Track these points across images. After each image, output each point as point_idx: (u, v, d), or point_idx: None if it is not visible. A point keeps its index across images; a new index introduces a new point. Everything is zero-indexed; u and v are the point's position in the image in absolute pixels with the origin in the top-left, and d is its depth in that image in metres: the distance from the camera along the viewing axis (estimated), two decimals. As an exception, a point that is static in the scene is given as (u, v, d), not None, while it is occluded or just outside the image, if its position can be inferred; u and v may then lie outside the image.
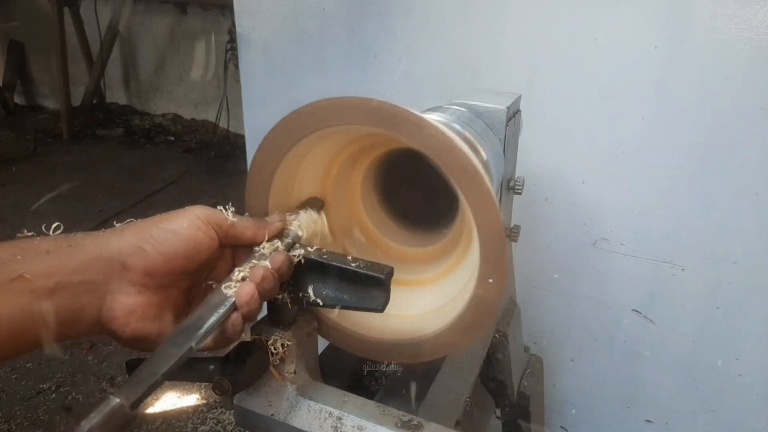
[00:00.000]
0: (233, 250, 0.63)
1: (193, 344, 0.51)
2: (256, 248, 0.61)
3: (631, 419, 1.45)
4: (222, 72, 4.65)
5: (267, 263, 0.58)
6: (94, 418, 0.42)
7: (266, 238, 0.62)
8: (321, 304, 0.63)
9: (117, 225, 0.57)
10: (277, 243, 0.61)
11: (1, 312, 0.47)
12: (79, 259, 0.52)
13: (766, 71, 1.06)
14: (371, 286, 0.60)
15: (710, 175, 1.16)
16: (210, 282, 0.63)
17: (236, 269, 0.58)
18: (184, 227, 0.56)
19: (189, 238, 0.56)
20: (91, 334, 0.54)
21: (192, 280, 0.61)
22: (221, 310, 0.54)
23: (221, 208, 0.61)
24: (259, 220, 0.63)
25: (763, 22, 1.04)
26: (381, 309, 0.60)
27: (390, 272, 0.59)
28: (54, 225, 0.54)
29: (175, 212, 0.58)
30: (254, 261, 0.59)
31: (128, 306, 0.54)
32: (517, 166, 1.01)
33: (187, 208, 0.59)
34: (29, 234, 0.53)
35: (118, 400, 0.43)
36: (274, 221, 0.63)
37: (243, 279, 0.57)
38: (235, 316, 0.56)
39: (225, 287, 0.56)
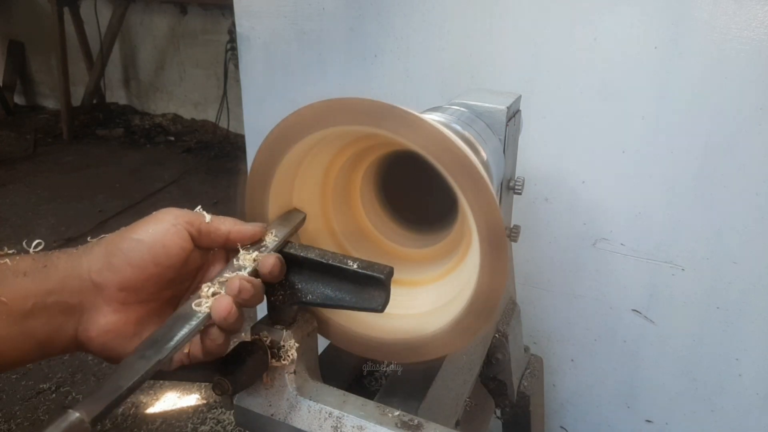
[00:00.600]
0: (225, 254, 0.61)
1: (161, 357, 0.48)
2: (234, 259, 0.59)
3: (631, 419, 1.45)
4: (222, 72, 4.66)
5: (244, 273, 0.56)
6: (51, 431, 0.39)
7: (244, 236, 0.59)
8: (321, 304, 0.63)
9: (90, 240, 0.56)
10: (255, 253, 0.59)
11: None
12: (54, 280, 0.51)
13: (766, 71, 1.06)
14: (371, 286, 0.60)
15: (710, 175, 1.16)
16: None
17: (205, 284, 0.55)
18: (149, 233, 0.54)
19: (156, 242, 0.54)
20: (71, 352, 0.54)
21: (176, 289, 0.59)
22: (193, 323, 0.52)
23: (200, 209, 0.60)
24: (235, 219, 0.61)
25: (762, 22, 1.04)
26: (381, 309, 0.60)
27: (390, 272, 0.59)
28: (35, 242, 0.53)
29: (143, 220, 0.56)
30: (228, 273, 0.57)
31: (103, 326, 0.53)
32: (517, 166, 1.01)
33: (155, 213, 0.57)
34: (10, 252, 0.52)
35: (77, 414, 0.41)
36: (252, 225, 0.61)
37: (213, 294, 0.54)
38: (215, 331, 0.54)
39: (195, 303, 0.53)
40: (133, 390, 0.45)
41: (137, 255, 0.53)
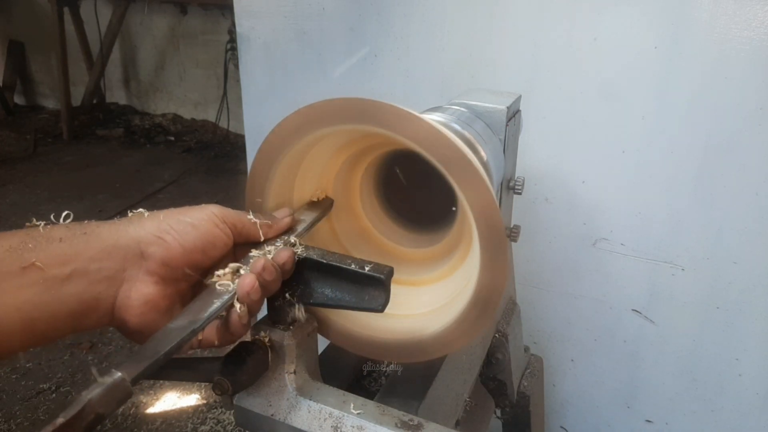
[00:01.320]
0: (243, 249, 0.63)
1: (196, 326, 0.50)
2: (253, 250, 0.61)
3: (631, 419, 1.45)
4: (222, 72, 4.66)
5: (268, 256, 0.59)
6: (96, 390, 0.42)
7: (276, 235, 0.62)
8: (321, 304, 0.63)
9: (131, 214, 0.57)
10: (280, 242, 0.62)
11: (12, 302, 0.45)
12: (96, 247, 0.51)
13: (766, 71, 1.06)
14: (371, 286, 0.60)
15: (710, 175, 1.16)
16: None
17: (231, 263, 0.58)
18: (203, 221, 0.57)
19: (207, 233, 0.56)
20: (101, 326, 0.54)
21: (202, 275, 0.60)
22: (225, 297, 0.54)
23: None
24: (268, 217, 0.63)
25: (762, 22, 1.04)
26: (381, 309, 0.60)
27: (390, 272, 0.59)
28: (64, 213, 0.53)
29: (192, 207, 0.58)
30: (254, 254, 0.59)
31: (144, 295, 0.53)
32: (517, 166, 1.01)
33: (203, 205, 0.59)
34: (38, 223, 0.51)
35: (120, 374, 0.43)
36: (282, 217, 0.64)
37: (237, 271, 0.57)
38: (241, 309, 0.55)
39: (219, 284, 0.56)
40: (170, 355, 0.47)
41: (189, 238, 0.55)
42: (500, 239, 0.56)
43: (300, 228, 0.65)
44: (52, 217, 0.53)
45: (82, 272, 0.49)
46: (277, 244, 0.61)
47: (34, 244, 0.48)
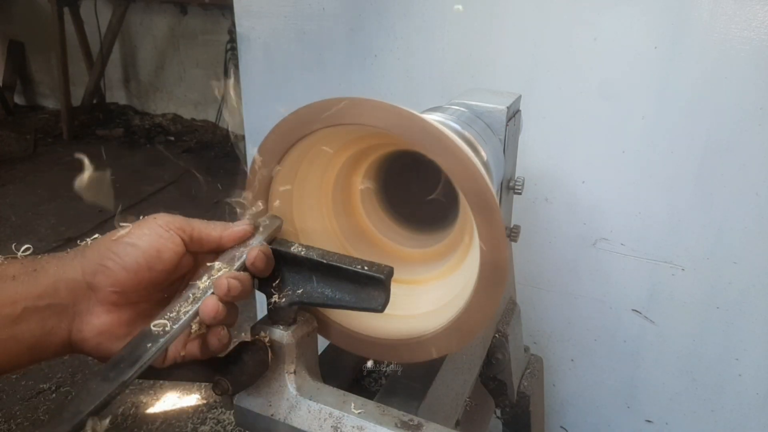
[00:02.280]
0: (213, 258, 0.61)
1: (125, 378, 0.48)
2: (217, 261, 0.59)
3: (631, 419, 1.45)
4: (222, 72, 4.66)
5: (231, 270, 0.57)
6: None
7: (234, 238, 0.60)
8: (321, 304, 0.63)
9: (80, 243, 0.57)
10: (250, 245, 0.60)
11: None
12: (44, 283, 0.52)
13: (766, 71, 1.06)
14: (371, 286, 0.60)
15: (710, 175, 1.16)
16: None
17: (173, 304, 0.55)
18: (143, 238, 0.55)
19: (150, 248, 0.55)
20: (63, 355, 0.54)
21: (166, 291, 0.60)
22: (160, 340, 0.51)
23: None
24: (224, 223, 0.61)
25: (762, 22, 1.04)
26: (381, 309, 0.60)
27: (390, 272, 0.59)
28: (24, 247, 0.54)
29: (136, 223, 0.57)
30: (217, 265, 0.58)
31: (97, 327, 0.54)
32: (517, 166, 1.01)
33: (147, 218, 0.58)
34: None
35: None
36: (240, 225, 0.61)
37: (174, 317, 0.54)
38: (221, 333, 0.55)
39: (155, 324, 0.53)
40: (94, 412, 0.46)
41: (132, 259, 0.54)
42: (501, 240, 0.56)
43: (266, 230, 0.63)
44: (13, 247, 0.54)
45: (33, 310, 0.50)
46: (243, 249, 0.60)
47: None
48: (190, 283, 0.57)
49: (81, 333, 0.53)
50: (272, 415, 0.63)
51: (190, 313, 0.54)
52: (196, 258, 0.61)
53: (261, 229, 0.63)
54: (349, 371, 0.82)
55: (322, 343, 0.72)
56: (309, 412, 0.62)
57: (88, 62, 5.14)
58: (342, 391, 0.64)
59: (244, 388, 0.62)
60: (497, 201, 0.56)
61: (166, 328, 0.53)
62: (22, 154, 4.61)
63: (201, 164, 4.49)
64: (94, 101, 5.31)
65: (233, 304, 0.57)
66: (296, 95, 1.55)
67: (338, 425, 0.61)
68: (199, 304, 0.55)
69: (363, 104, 0.56)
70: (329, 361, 0.79)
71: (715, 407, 1.34)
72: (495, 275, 0.58)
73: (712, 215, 1.19)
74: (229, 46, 4.49)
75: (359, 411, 0.61)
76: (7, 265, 0.52)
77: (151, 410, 2.17)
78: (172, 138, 5.03)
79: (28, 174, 4.24)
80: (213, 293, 0.55)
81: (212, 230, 0.60)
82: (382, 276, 0.58)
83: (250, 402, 0.64)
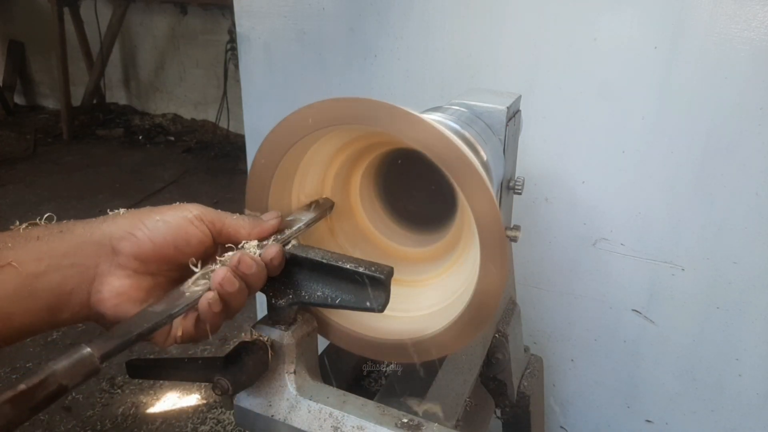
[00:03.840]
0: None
1: (172, 311, 0.51)
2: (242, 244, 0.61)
3: (631, 419, 1.45)
4: (222, 72, 4.66)
5: (252, 251, 0.59)
6: (62, 361, 0.42)
7: (261, 237, 0.62)
8: (321, 304, 0.63)
9: (111, 212, 0.59)
10: (269, 240, 0.62)
11: None
12: (69, 243, 0.53)
13: (766, 71, 1.06)
14: (371, 286, 0.60)
15: (710, 175, 1.16)
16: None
17: (208, 265, 0.58)
18: (176, 218, 0.57)
19: (180, 229, 0.57)
20: (80, 320, 0.55)
21: (185, 271, 0.60)
22: (198, 288, 0.55)
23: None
24: (254, 219, 0.63)
25: (762, 22, 1.04)
26: (381, 309, 0.60)
27: (390, 272, 0.59)
28: (46, 215, 0.56)
29: (171, 206, 0.59)
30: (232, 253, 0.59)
31: (117, 288, 0.55)
32: (517, 166, 1.01)
33: (183, 204, 0.60)
34: (21, 225, 0.54)
35: (89, 349, 0.44)
36: (270, 219, 0.63)
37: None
38: (211, 294, 0.56)
39: (193, 282, 0.56)
40: (142, 336, 0.49)
41: (159, 234, 0.56)
42: (501, 243, 0.56)
43: (294, 227, 0.64)
44: (38, 220, 0.56)
45: (56, 267, 0.52)
46: (266, 243, 0.61)
47: (13, 243, 0.51)
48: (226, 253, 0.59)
49: (100, 293, 0.55)
50: (272, 415, 0.63)
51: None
52: (223, 247, 0.62)
53: (292, 223, 0.65)
54: (349, 371, 0.82)
55: (322, 343, 0.72)
56: (309, 412, 0.62)
57: (88, 62, 5.14)
58: (342, 391, 0.64)
59: (244, 388, 0.62)
60: (499, 209, 0.56)
61: (203, 283, 0.56)
62: (22, 154, 4.61)
63: (201, 164, 4.49)
64: (94, 101, 5.32)
65: (241, 289, 0.57)
66: (296, 95, 1.55)
67: (338, 425, 0.61)
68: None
69: (365, 105, 0.56)
70: (329, 361, 0.79)
71: (716, 407, 1.34)
72: (494, 282, 0.58)
73: (712, 215, 1.19)
74: (229, 46, 4.50)
75: (359, 411, 0.61)
76: (32, 229, 0.53)
77: (151, 410, 2.17)
78: (172, 138, 5.03)
79: (28, 174, 4.24)
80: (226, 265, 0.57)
81: (241, 227, 0.61)
82: (382, 276, 0.58)
83: (250, 402, 0.64)
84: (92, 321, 0.57)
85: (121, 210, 0.59)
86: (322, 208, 0.71)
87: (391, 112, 0.56)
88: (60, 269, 0.52)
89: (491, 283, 0.59)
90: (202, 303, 0.55)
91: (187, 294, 0.54)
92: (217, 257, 0.59)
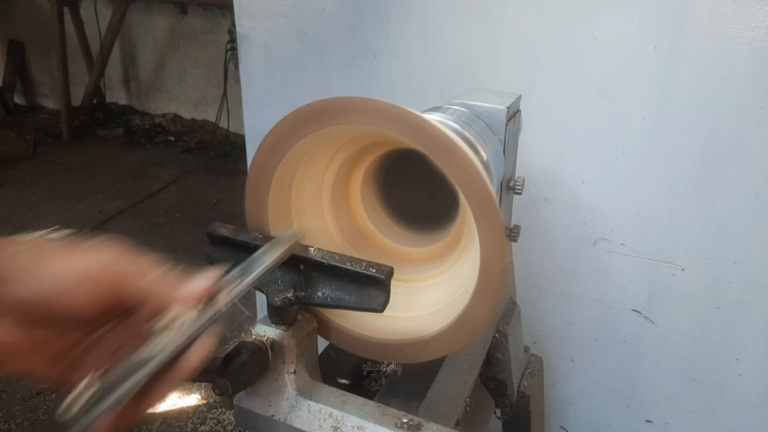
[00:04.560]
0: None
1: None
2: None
3: (631, 419, 1.45)
4: (222, 72, 4.66)
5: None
6: None
7: (186, 302, 0.47)
8: (321, 304, 0.63)
9: (21, 237, 0.48)
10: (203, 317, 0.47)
11: None
12: None
13: (766, 71, 1.06)
14: (371, 286, 0.60)
15: (710, 175, 1.16)
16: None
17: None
18: (73, 269, 0.46)
19: (73, 285, 0.45)
20: None
21: (74, 335, 0.48)
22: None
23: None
24: (179, 280, 0.48)
25: (762, 21, 1.04)
26: (381, 309, 0.60)
27: (390, 272, 0.59)
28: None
29: (78, 250, 0.47)
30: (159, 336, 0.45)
31: None
32: (517, 166, 1.01)
33: (95, 249, 0.47)
34: None
35: None
36: (200, 283, 0.48)
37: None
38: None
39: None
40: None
41: (45, 287, 0.44)
42: (500, 240, 0.56)
43: (234, 288, 0.51)
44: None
45: None
46: (197, 321, 0.47)
47: None
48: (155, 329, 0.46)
49: None
50: (272, 415, 0.63)
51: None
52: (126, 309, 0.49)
53: (279, 244, 0.59)
54: (349, 371, 0.82)
55: (322, 343, 0.72)
56: (309, 412, 0.62)
57: (88, 62, 5.14)
58: (342, 391, 0.64)
59: (244, 388, 0.62)
60: (499, 209, 0.56)
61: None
62: (22, 154, 4.61)
63: (201, 164, 4.49)
64: (94, 101, 5.31)
65: None
66: (296, 95, 1.55)
67: (338, 425, 0.61)
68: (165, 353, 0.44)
69: (365, 106, 0.56)
70: (329, 361, 0.79)
71: (716, 407, 1.34)
72: (494, 281, 0.58)
73: (712, 215, 1.19)
74: (229, 46, 4.49)
75: (359, 411, 0.61)
76: None
77: (151, 410, 2.16)
78: (172, 138, 5.03)
79: (28, 174, 4.24)
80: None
81: (160, 294, 0.47)
82: (382, 276, 0.58)
83: (250, 402, 0.64)
84: None
85: (36, 233, 0.48)
86: (283, 245, 0.61)
87: (390, 112, 0.56)
88: None
89: (492, 283, 0.59)
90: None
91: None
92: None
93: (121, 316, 0.49)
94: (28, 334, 0.45)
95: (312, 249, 0.63)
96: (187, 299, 0.47)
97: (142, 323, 0.47)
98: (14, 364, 0.46)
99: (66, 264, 0.46)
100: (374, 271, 0.59)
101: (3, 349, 0.45)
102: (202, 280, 0.48)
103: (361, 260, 0.60)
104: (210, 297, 0.48)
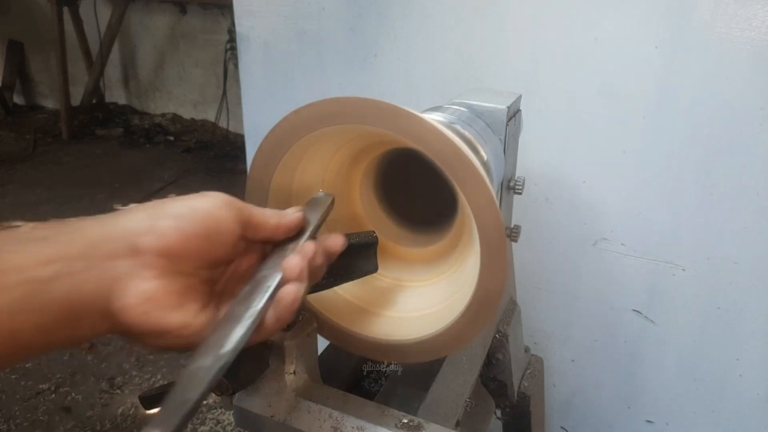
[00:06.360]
0: (261, 248, 0.56)
1: (222, 364, 0.44)
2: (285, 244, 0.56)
3: (632, 420, 1.45)
4: (222, 72, 4.66)
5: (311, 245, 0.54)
6: None
7: (289, 228, 0.56)
8: (319, 288, 0.63)
9: (119, 207, 0.50)
10: (304, 237, 0.56)
11: None
12: (81, 243, 0.44)
13: (766, 71, 1.06)
14: (358, 256, 0.64)
15: (711, 175, 1.16)
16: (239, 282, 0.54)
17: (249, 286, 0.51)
18: (205, 204, 0.49)
19: (210, 215, 0.49)
20: (101, 334, 0.46)
21: (213, 273, 0.53)
22: (248, 321, 0.47)
23: None
24: (277, 211, 0.56)
25: (763, 21, 1.04)
26: (376, 269, 0.65)
27: (373, 236, 0.65)
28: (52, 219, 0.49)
29: (193, 194, 0.51)
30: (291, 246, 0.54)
31: (144, 292, 0.46)
32: (517, 166, 1.01)
33: (206, 192, 0.52)
34: (19, 224, 0.46)
35: (158, 430, 0.40)
36: (293, 213, 0.57)
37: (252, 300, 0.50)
38: (292, 287, 0.49)
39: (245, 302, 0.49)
40: (201, 401, 0.43)
41: (188, 222, 0.48)
42: (500, 239, 0.56)
43: (312, 225, 0.59)
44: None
45: (67, 272, 0.43)
46: (301, 240, 0.56)
47: (15, 245, 0.42)
48: (261, 266, 0.53)
49: (123, 299, 0.45)
50: (272, 415, 0.62)
51: (270, 290, 0.50)
52: (247, 245, 0.55)
53: (309, 220, 0.61)
54: (349, 372, 0.82)
55: (322, 343, 0.72)
56: (309, 412, 0.62)
57: (87, 62, 5.13)
58: (342, 392, 0.64)
59: (244, 388, 0.62)
60: (500, 209, 0.56)
61: (256, 307, 0.48)
62: (21, 154, 4.61)
63: (201, 164, 4.49)
64: (94, 101, 5.31)
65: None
66: (296, 95, 1.55)
67: (338, 426, 0.61)
68: (274, 285, 0.50)
69: (364, 105, 0.56)
70: (329, 361, 0.79)
71: (716, 408, 1.33)
72: (489, 303, 0.58)
73: (713, 215, 1.19)
74: (228, 46, 4.49)
75: (359, 412, 0.61)
76: (37, 228, 0.45)
77: (150, 410, 2.16)
78: (172, 138, 5.03)
79: (28, 174, 4.24)
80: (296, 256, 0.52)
81: (269, 217, 0.54)
82: (373, 241, 0.65)
83: (250, 402, 0.64)
84: (117, 334, 0.47)
85: (132, 205, 0.50)
86: (325, 203, 0.68)
87: (389, 112, 0.55)
88: (72, 274, 0.43)
89: (492, 283, 0.59)
90: (286, 299, 0.49)
91: (238, 329, 0.47)
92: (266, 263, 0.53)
93: (248, 247, 0.54)
94: (172, 284, 0.47)
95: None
96: (289, 228, 0.55)
97: (268, 249, 0.55)
98: (163, 323, 0.46)
99: (198, 200, 0.50)
100: (359, 240, 0.64)
101: (152, 306, 0.46)
102: (294, 211, 0.57)
103: (345, 235, 0.63)
104: (303, 225, 0.57)
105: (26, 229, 0.45)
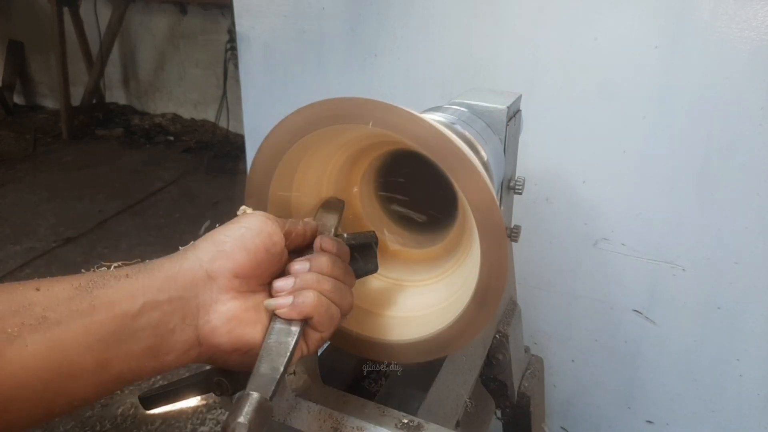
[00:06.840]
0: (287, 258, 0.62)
1: (299, 333, 0.52)
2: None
3: (632, 420, 1.45)
4: (222, 72, 4.66)
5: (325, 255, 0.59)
6: (245, 414, 0.44)
7: (314, 233, 0.62)
8: None
9: (182, 248, 0.55)
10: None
11: (83, 341, 0.44)
12: (161, 277, 0.49)
13: (766, 71, 1.06)
14: (358, 256, 0.65)
15: (711, 175, 1.16)
16: None
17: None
18: (255, 222, 0.56)
19: (263, 231, 0.55)
20: (187, 361, 0.51)
21: (269, 288, 0.58)
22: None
23: None
24: (303, 223, 0.62)
25: (763, 21, 1.04)
26: (376, 269, 0.67)
27: (372, 235, 0.67)
28: (134, 261, 0.53)
29: (236, 218, 0.57)
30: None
31: (226, 313, 0.52)
32: (517, 166, 1.01)
33: (246, 213, 0.59)
34: (106, 264, 0.51)
35: (257, 395, 0.46)
36: (310, 222, 0.63)
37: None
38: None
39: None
40: (287, 370, 0.50)
41: (248, 241, 0.53)
42: (500, 239, 0.56)
43: (332, 229, 0.65)
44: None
45: (153, 305, 0.48)
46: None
47: (102, 282, 0.47)
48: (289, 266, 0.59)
49: (209, 323, 0.51)
50: (272, 415, 0.62)
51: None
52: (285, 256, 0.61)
53: (327, 216, 0.67)
54: (349, 372, 0.81)
55: (322, 343, 0.72)
56: (309, 412, 0.62)
57: (87, 62, 5.13)
58: (342, 392, 0.64)
59: (244, 389, 0.62)
60: (500, 209, 0.56)
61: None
62: (21, 154, 4.61)
63: (201, 164, 4.49)
64: (94, 101, 5.31)
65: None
66: (296, 95, 1.55)
67: (338, 426, 0.60)
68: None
69: (364, 106, 0.56)
70: (329, 361, 0.79)
71: (716, 408, 1.33)
72: (489, 303, 0.58)
73: (713, 215, 1.19)
74: (228, 46, 4.49)
75: (359, 412, 0.61)
76: (117, 269, 0.49)
77: (150, 410, 2.16)
78: (172, 138, 5.03)
79: (28, 174, 4.24)
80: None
81: (297, 224, 0.60)
82: (373, 241, 0.66)
83: (249, 403, 0.63)
84: (203, 361, 0.53)
85: (193, 241, 0.55)
86: (337, 208, 0.71)
87: (388, 112, 0.55)
88: (158, 306, 0.48)
89: (492, 283, 0.59)
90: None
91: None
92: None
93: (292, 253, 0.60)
94: (247, 302, 0.53)
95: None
96: (314, 232, 0.62)
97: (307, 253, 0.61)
98: (248, 337, 0.53)
99: (247, 221, 0.56)
100: (358, 240, 0.65)
101: (235, 324, 0.52)
102: (310, 221, 0.64)
103: (346, 235, 0.66)
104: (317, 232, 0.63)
105: (111, 269, 0.50)
